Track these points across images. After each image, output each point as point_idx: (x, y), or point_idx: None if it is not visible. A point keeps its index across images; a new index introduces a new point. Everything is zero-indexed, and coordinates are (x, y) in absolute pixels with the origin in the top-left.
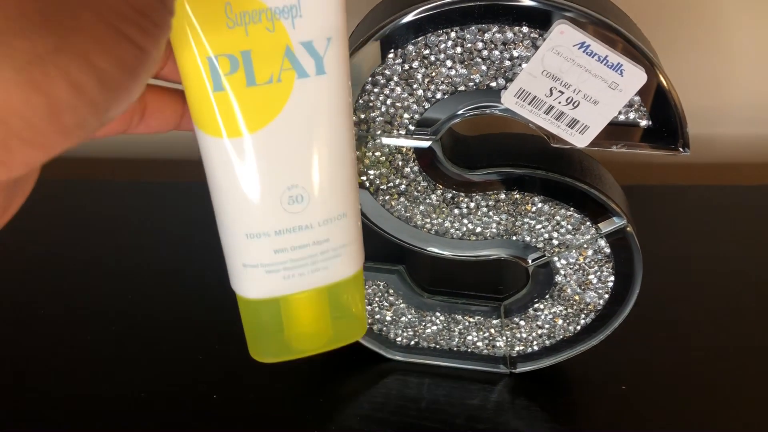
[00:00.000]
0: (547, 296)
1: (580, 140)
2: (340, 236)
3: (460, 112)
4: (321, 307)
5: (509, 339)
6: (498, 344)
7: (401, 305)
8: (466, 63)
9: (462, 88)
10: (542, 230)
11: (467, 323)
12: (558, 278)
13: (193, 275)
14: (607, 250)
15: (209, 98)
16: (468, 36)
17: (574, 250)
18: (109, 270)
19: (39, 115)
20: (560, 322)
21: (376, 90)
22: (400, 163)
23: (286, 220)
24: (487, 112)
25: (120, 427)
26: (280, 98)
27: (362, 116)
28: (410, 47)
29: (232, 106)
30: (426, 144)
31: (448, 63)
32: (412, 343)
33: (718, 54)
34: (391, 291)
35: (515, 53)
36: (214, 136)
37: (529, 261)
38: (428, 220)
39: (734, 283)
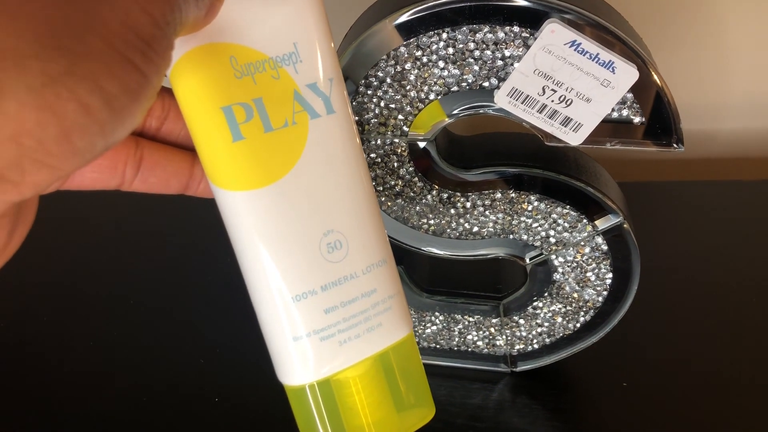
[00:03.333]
0: (546, 294)
1: (574, 138)
2: (386, 285)
3: (453, 112)
4: (378, 380)
5: (509, 338)
6: (498, 343)
7: None
8: (458, 63)
9: (455, 88)
10: (539, 228)
11: (467, 323)
12: (556, 276)
13: (195, 276)
14: (605, 247)
15: (229, 149)
16: (459, 36)
17: (571, 248)
18: (111, 274)
19: (50, 136)
20: (559, 320)
21: (369, 92)
22: (396, 164)
23: (330, 271)
24: (481, 112)
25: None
26: (299, 140)
27: (356, 119)
28: (402, 49)
29: (252, 154)
30: (420, 145)
31: (441, 64)
32: None
33: (714, 50)
34: None
35: (507, 53)
36: (238, 190)
37: (527, 259)
38: (425, 221)
39: (734, 279)
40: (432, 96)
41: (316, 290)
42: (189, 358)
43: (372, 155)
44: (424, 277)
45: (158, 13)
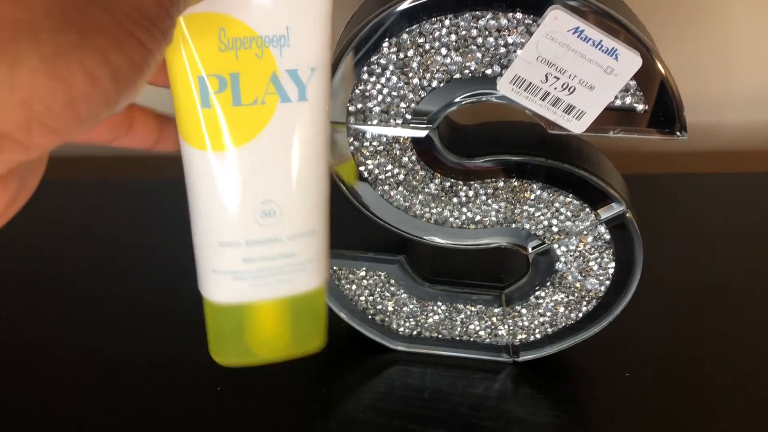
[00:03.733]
0: (549, 284)
1: (577, 126)
2: (307, 252)
3: (456, 100)
4: (282, 317)
5: (511, 327)
6: (500, 333)
7: (402, 295)
8: (461, 50)
9: (458, 75)
10: (541, 217)
11: (469, 312)
12: (559, 265)
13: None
14: (607, 237)
15: (197, 113)
16: (462, 23)
17: (574, 237)
18: (107, 266)
19: (59, 103)
20: (562, 309)
21: (372, 79)
22: (398, 152)
23: (258, 232)
24: (484, 99)
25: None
26: (262, 119)
27: (359, 106)
28: (405, 36)
29: (217, 122)
30: (423, 133)
31: (443, 51)
32: (415, 333)
33: (719, 41)
34: (392, 281)
35: (510, 40)
36: (199, 149)
37: (530, 249)
38: (427, 210)
39: (738, 270)
40: (434, 83)
41: (240, 243)
42: (189, 346)
43: (374, 143)
44: (427, 267)
45: None
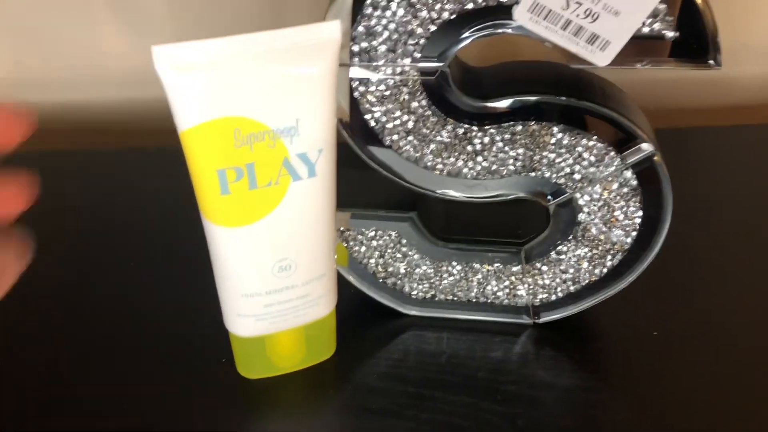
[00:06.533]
0: (571, 237)
1: (602, 58)
2: (319, 290)
3: (468, 34)
4: (298, 339)
5: (531, 287)
6: (519, 293)
7: (415, 256)
8: None
9: (470, 5)
10: (563, 164)
11: (486, 271)
12: (581, 216)
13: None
14: (634, 183)
15: (218, 200)
16: None
17: (597, 185)
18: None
19: None
20: (585, 265)
21: (376, 13)
22: (407, 96)
23: (276, 283)
24: (499, 32)
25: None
26: (276, 197)
27: (363, 45)
28: None
29: (236, 205)
30: (434, 70)
31: None
32: (429, 296)
33: None
34: (403, 241)
35: None
36: (219, 225)
37: (550, 199)
38: (440, 160)
39: (766, 222)
40: (445, 15)
41: (261, 293)
42: (194, 317)
43: (381, 88)
44: (440, 225)
45: None
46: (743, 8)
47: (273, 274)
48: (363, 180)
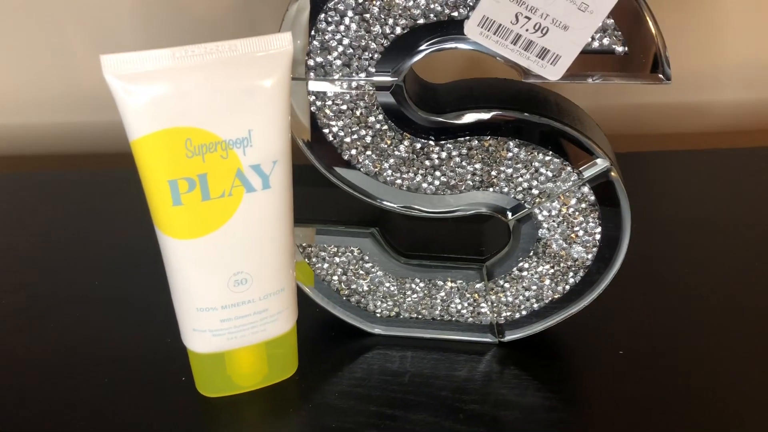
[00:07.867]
0: (532, 254)
1: (553, 72)
2: (278, 306)
3: (422, 48)
4: (259, 356)
5: (495, 304)
6: (483, 310)
7: (378, 272)
8: None
9: (421, 20)
10: (520, 179)
11: (449, 288)
12: (541, 232)
13: None
14: (592, 198)
15: (169, 211)
16: None
17: (555, 200)
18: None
19: None
20: (547, 282)
21: (330, 28)
22: (363, 111)
23: (232, 298)
24: (452, 46)
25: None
26: (230, 209)
27: (318, 60)
28: None
29: (188, 216)
30: (389, 84)
31: None
32: (393, 314)
33: (708, 18)
34: (366, 257)
35: None
36: (173, 237)
37: (509, 215)
38: (398, 175)
39: (731, 244)
40: (398, 30)
41: (217, 308)
42: (157, 337)
43: (338, 102)
44: (402, 242)
45: None
46: (712, 35)
47: (229, 288)
48: (323, 195)
